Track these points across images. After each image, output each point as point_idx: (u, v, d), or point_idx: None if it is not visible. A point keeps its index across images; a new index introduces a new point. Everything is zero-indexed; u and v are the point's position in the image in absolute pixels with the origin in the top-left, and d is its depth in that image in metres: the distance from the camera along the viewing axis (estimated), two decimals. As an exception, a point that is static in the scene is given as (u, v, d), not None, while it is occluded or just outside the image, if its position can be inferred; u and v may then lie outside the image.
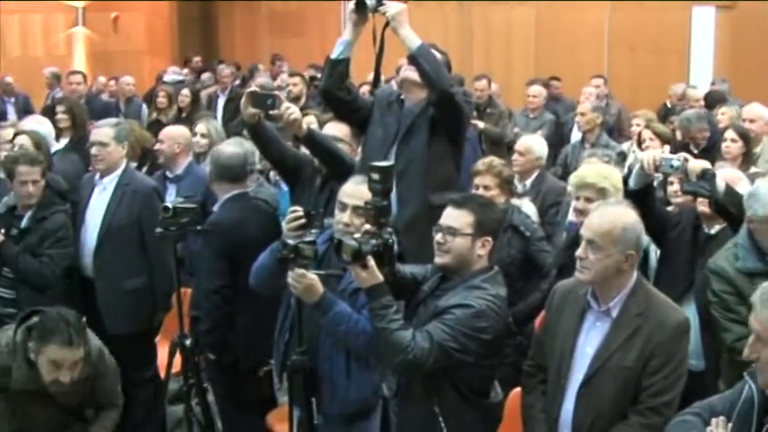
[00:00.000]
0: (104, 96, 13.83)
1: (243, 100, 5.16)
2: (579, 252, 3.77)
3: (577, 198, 5.25)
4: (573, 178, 5.44)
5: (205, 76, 14.97)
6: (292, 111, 5.15)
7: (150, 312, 6.02)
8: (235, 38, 19.53)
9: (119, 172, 5.96)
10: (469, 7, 15.36)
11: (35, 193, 5.82)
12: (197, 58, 17.49)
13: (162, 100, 11.41)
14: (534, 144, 7.09)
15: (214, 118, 8.54)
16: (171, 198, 5.62)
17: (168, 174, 6.81)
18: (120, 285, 5.86)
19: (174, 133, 6.89)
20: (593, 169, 5.53)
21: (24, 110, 13.61)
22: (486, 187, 5.59)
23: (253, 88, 5.39)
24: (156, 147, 6.79)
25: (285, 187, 6.73)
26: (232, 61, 16.56)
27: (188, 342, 5.24)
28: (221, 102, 12.38)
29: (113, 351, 5.97)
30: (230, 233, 5.18)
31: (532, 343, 4.19)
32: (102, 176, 5.99)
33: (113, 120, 6.45)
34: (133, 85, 13.30)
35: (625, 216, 3.81)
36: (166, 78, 14.66)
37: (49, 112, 11.98)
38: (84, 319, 6.21)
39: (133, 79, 13.46)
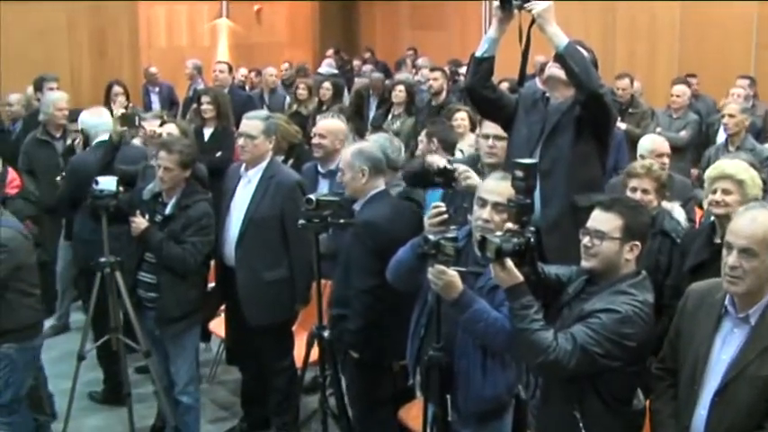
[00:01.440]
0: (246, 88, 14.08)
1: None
2: (731, 262, 3.58)
3: (714, 191, 5.08)
4: (710, 170, 5.25)
5: (367, 67, 15.02)
6: (468, 175, 5.05)
7: (289, 304, 6.09)
8: (375, 31, 19.62)
9: (263, 165, 6.02)
10: (613, 2, 15.09)
11: (166, 179, 5.88)
12: (330, 51, 17.58)
13: (302, 92, 11.58)
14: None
15: (339, 113, 8.43)
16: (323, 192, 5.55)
17: (320, 168, 6.63)
18: (261, 276, 5.94)
19: (336, 129, 6.65)
20: (732, 161, 5.37)
21: (168, 99, 13.98)
22: (644, 191, 5.48)
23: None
24: (316, 141, 6.57)
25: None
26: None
27: (326, 334, 5.27)
28: (374, 102, 12.26)
29: (252, 341, 6.11)
30: (385, 231, 5.08)
31: (664, 345, 4.06)
32: (247, 168, 6.06)
33: (263, 113, 6.45)
34: (276, 76, 13.42)
35: None
36: (321, 70, 14.85)
37: (190, 102, 12.31)
38: (224, 307, 6.41)
39: (276, 70, 13.57)
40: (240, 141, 6.04)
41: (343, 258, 5.31)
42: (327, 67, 15.27)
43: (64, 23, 11.32)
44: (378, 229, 5.11)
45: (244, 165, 6.11)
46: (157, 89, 14.29)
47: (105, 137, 6.86)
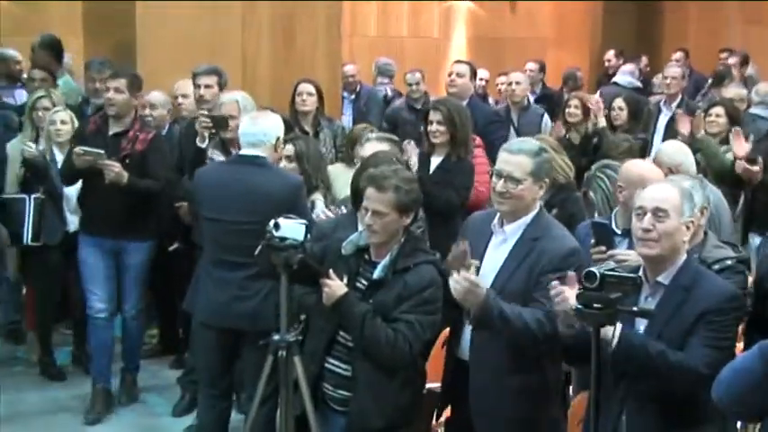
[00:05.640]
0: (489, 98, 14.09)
1: None
2: None
3: None
4: None
5: (657, 79, 14.92)
6: None
7: (544, 422, 6.00)
8: (687, 27, 19.44)
9: (527, 219, 5.90)
10: None
11: (376, 228, 5.91)
12: (609, 54, 17.48)
13: (574, 111, 11.50)
14: None
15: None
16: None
17: (617, 225, 6.56)
18: (503, 381, 5.87)
19: (648, 174, 6.51)
20: None
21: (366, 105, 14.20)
22: None
23: None
24: (620, 187, 6.51)
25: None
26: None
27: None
28: (663, 118, 12.18)
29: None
30: None
31: None
32: (502, 222, 5.96)
33: (533, 144, 6.13)
34: (518, 84, 12.69)
35: None
36: (618, 80, 14.69)
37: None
38: (447, 416, 6.36)
39: (523, 76, 13.13)
40: (499, 184, 5.87)
41: None
42: (628, 76, 14.89)
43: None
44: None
45: (498, 215, 6.02)
46: (353, 96, 14.60)
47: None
